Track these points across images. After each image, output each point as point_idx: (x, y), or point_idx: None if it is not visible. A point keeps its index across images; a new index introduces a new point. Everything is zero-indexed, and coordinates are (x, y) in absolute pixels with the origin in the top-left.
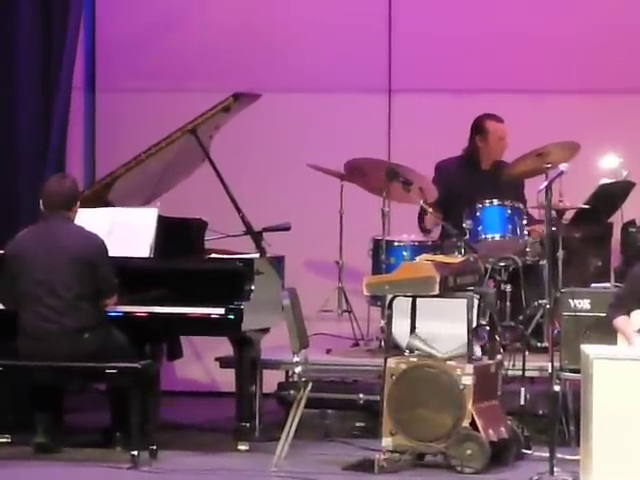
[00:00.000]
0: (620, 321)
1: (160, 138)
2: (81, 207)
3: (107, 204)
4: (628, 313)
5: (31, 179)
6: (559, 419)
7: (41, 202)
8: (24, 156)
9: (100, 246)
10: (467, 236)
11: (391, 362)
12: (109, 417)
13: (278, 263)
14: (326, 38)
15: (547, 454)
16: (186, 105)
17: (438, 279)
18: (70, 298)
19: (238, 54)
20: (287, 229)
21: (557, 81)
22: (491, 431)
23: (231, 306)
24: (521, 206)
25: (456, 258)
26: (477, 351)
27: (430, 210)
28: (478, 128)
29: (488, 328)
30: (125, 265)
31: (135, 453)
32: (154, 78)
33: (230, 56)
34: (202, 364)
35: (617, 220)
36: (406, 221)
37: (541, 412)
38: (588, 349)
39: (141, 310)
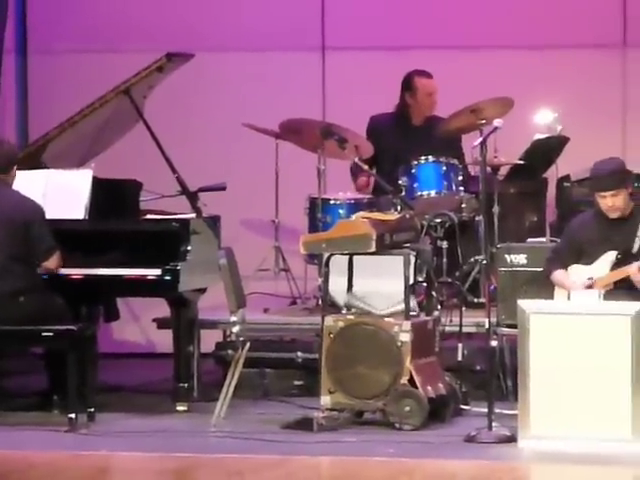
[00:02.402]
0: (558, 274)
1: (94, 99)
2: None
3: (41, 166)
4: (565, 267)
5: None
6: (496, 374)
7: None
8: None
9: (34, 208)
10: (403, 193)
11: (329, 320)
12: (46, 380)
13: (214, 223)
14: None
15: (485, 409)
16: (120, 66)
17: (374, 236)
18: (3, 260)
19: (172, 14)
20: (223, 189)
21: (491, 37)
22: (429, 387)
23: (167, 267)
24: (456, 162)
25: (392, 215)
26: (414, 307)
27: (365, 167)
28: (407, 84)
29: (425, 285)
30: (60, 227)
31: (73, 416)
32: (87, 39)
33: (163, 16)
34: (139, 325)
35: (552, 175)
36: (342, 179)
37: (479, 368)
38: (524, 304)
39: (77, 272)
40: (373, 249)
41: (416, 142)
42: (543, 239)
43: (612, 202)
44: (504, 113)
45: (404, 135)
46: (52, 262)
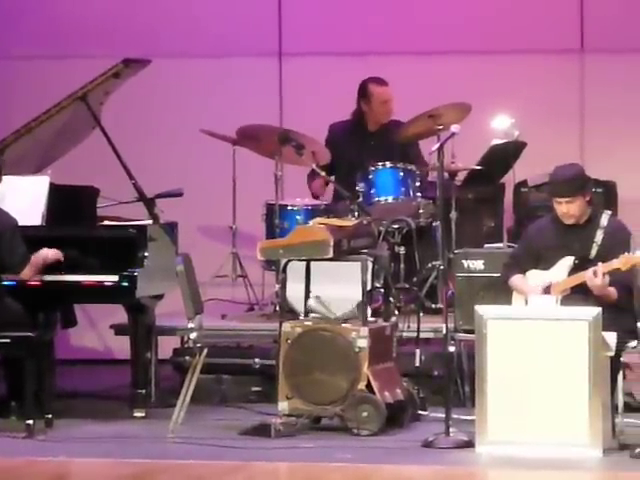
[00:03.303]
0: (516, 280)
1: (50, 105)
2: None
3: None
4: (523, 272)
5: None
6: (454, 380)
7: None
8: None
9: (6, 219)
10: (360, 199)
11: (286, 326)
12: (4, 387)
13: (171, 229)
14: (216, 2)
15: (443, 415)
16: (78, 71)
17: (332, 242)
18: None
19: (129, 20)
20: (180, 195)
21: (449, 42)
22: (387, 393)
23: (125, 273)
24: (413, 168)
25: (350, 221)
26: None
27: (323, 173)
28: (362, 92)
29: (382, 290)
30: None
31: (30, 422)
32: (45, 45)
33: (122, 22)
34: (97, 332)
35: (509, 180)
36: (299, 185)
37: (436, 373)
38: (482, 309)
39: (34, 278)
40: (330, 255)
41: (372, 148)
42: (500, 244)
43: (567, 209)
44: (462, 118)
45: (361, 141)
46: (26, 272)
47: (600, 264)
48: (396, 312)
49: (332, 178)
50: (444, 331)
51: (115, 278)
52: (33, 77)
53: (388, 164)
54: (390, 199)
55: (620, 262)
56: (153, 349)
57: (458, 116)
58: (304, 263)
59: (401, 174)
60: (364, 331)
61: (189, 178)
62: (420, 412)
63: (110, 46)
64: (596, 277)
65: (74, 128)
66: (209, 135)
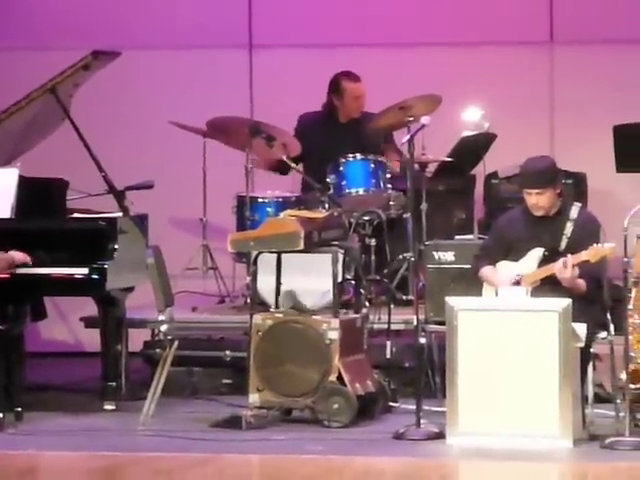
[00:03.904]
0: (486, 271)
1: (19, 97)
2: None
3: None
4: (493, 264)
5: None
6: (425, 371)
7: None
8: None
9: None
10: (331, 191)
11: (257, 318)
12: None
13: (141, 222)
14: None
15: (414, 406)
16: (50, 63)
17: (302, 234)
18: None
19: (98, 11)
20: (150, 187)
21: (420, 34)
22: (358, 385)
23: (95, 266)
24: (384, 160)
25: (320, 213)
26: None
27: (293, 165)
28: (334, 87)
29: (353, 282)
30: None
31: (0, 415)
32: (16, 36)
33: (90, 13)
34: (67, 324)
35: (480, 172)
36: (270, 177)
37: (407, 365)
38: (452, 301)
39: (4, 272)
40: (301, 247)
41: (343, 140)
42: (471, 236)
43: (536, 200)
44: (432, 110)
45: (331, 133)
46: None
47: (569, 256)
48: (367, 304)
49: (302, 169)
50: (415, 323)
51: (85, 271)
52: (5, 69)
53: (359, 156)
54: (361, 191)
55: (589, 254)
56: (123, 342)
57: (428, 108)
58: (275, 255)
59: (372, 166)
60: (335, 323)
61: (159, 170)
62: (391, 404)
63: (80, 38)
64: (565, 269)
65: (43, 120)
66: (179, 127)
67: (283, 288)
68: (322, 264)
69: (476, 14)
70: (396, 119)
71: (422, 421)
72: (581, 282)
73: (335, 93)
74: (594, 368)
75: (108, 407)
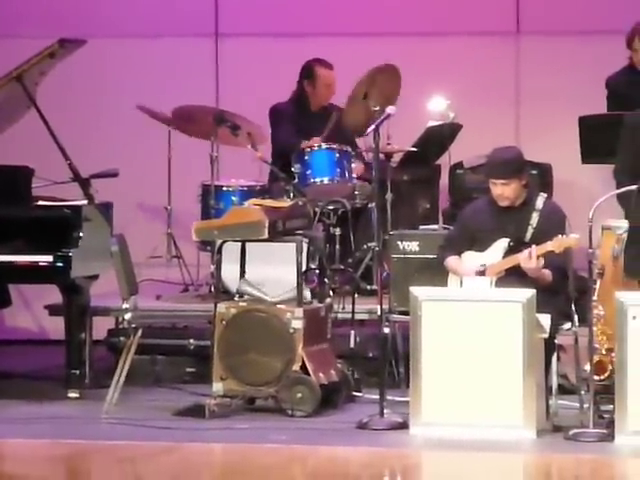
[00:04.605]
0: (452, 261)
1: None
2: None
3: None
4: (458, 254)
5: None
6: (389, 361)
7: None
8: None
9: None
10: (296, 180)
11: (221, 307)
12: None
13: (106, 210)
14: None
15: (377, 396)
16: (16, 51)
17: (267, 223)
18: None
19: (66, 0)
20: (115, 175)
21: (386, 24)
22: (321, 374)
23: (59, 253)
24: (349, 149)
25: (285, 202)
26: (307, 295)
27: (259, 154)
28: (307, 72)
29: (318, 272)
30: None
31: None
32: None
33: (56, 2)
34: (31, 312)
35: (445, 162)
36: (235, 166)
37: (371, 354)
38: (417, 291)
39: None
40: (265, 236)
41: (316, 128)
42: (436, 226)
43: (502, 190)
44: (396, 87)
45: (303, 122)
46: None
47: (534, 246)
48: (331, 293)
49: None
50: (379, 312)
51: (49, 258)
52: None
53: (324, 145)
54: (326, 180)
55: (553, 244)
56: (87, 330)
57: (392, 84)
58: (239, 244)
59: (337, 155)
60: (299, 312)
61: (124, 158)
62: (354, 393)
63: (46, 26)
64: (530, 259)
65: (9, 108)
66: (145, 112)
67: (244, 277)
68: (286, 253)
69: (443, 4)
70: (364, 113)
71: (386, 411)
72: (547, 272)
73: (308, 79)
74: (558, 359)
75: (72, 395)
